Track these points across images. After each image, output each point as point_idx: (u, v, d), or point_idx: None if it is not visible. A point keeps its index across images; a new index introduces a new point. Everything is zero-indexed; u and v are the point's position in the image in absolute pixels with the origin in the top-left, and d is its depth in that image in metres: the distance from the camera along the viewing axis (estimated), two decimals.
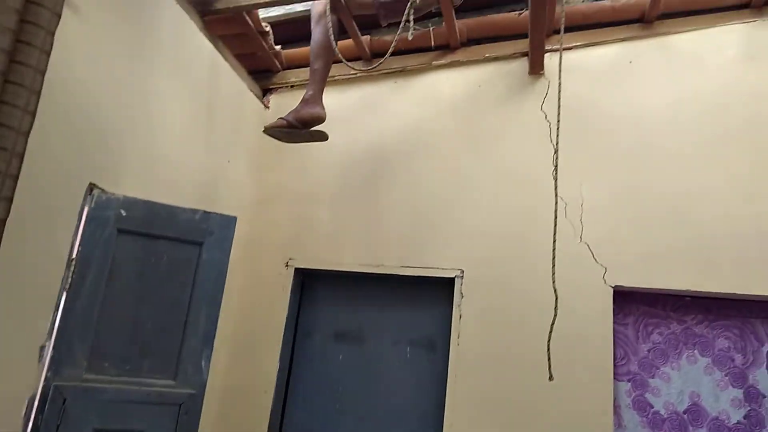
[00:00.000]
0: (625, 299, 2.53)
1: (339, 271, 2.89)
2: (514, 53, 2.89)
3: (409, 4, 2.23)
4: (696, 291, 2.37)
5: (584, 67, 2.77)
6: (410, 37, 2.24)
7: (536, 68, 2.79)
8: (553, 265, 1.95)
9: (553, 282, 1.92)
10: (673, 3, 2.64)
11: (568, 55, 2.78)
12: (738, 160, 2.44)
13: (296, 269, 2.94)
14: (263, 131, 2.42)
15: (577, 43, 2.79)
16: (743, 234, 2.35)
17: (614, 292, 2.46)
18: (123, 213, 1.82)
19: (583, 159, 2.65)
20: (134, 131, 2.04)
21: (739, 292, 2.31)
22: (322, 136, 2.55)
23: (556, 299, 1.89)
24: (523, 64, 2.88)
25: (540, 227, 2.61)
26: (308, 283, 3.01)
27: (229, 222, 2.05)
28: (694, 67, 2.63)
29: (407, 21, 2.24)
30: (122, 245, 1.82)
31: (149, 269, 1.86)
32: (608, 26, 2.79)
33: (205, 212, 2.02)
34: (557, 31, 2.70)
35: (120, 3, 1.98)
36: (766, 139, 2.44)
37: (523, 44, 2.85)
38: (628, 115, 2.66)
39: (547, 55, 2.77)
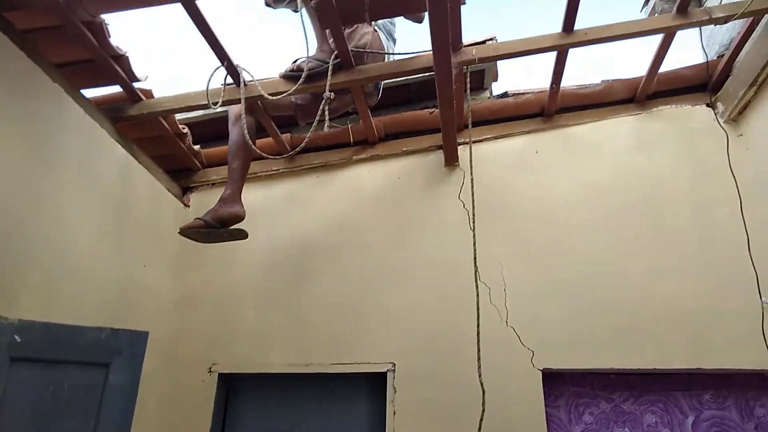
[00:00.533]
0: (555, 381, 2.56)
1: (266, 373, 2.75)
2: (430, 146, 3.03)
3: (323, 101, 2.31)
4: (620, 369, 2.44)
5: (496, 157, 2.93)
6: (326, 129, 2.30)
7: (451, 160, 2.92)
8: (479, 358, 1.96)
9: (480, 376, 1.91)
10: (569, 98, 2.89)
11: (480, 147, 2.95)
12: (641, 241, 2.61)
13: (220, 374, 2.77)
14: (179, 232, 2.35)
15: (488, 136, 2.97)
16: (657, 313, 2.46)
17: (543, 374, 2.48)
18: (17, 339, 1.66)
19: (502, 244, 2.74)
20: (32, 246, 1.90)
21: (659, 367, 2.39)
22: (242, 235, 2.51)
23: (483, 394, 1.87)
24: (439, 156, 3.01)
25: (467, 314, 2.61)
26: (234, 389, 2.84)
27: (140, 338, 1.92)
28: (593, 155, 2.84)
29: (321, 120, 2.31)
30: (16, 375, 1.63)
31: (47, 400, 1.68)
32: (514, 120, 3.00)
33: (112, 330, 1.89)
34: (467, 126, 2.88)
35: (23, 114, 1.91)
36: (662, 220, 2.62)
37: (437, 138, 2.99)
38: (539, 200, 2.80)
39: (461, 147, 2.91)
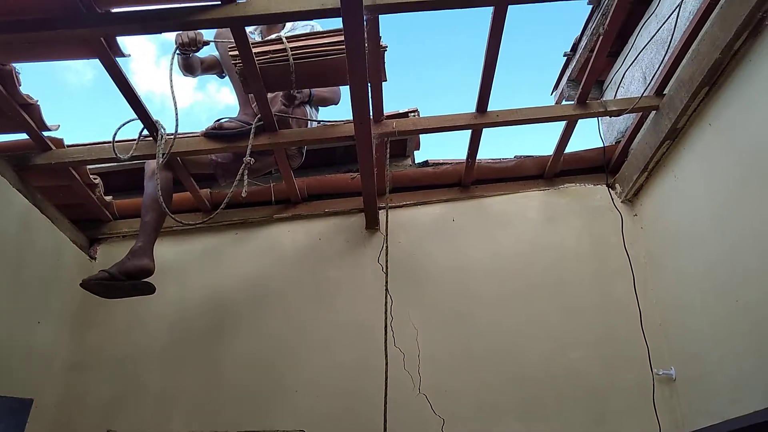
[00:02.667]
0: None
1: None
2: (352, 209, 3.07)
3: (243, 165, 2.30)
4: None
5: (414, 223, 3.02)
6: (244, 194, 2.29)
7: (371, 224, 2.98)
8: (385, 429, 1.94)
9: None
10: (484, 171, 3.05)
11: (400, 212, 3.03)
12: (547, 314, 2.73)
13: None
14: (81, 285, 2.22)
15: (407, 202, 3.05)
16: (560, 386, 2.56)
17: None
18: None
19: (418, 310, 2.79)
20: None
21: None
22: (149, 289, 2.39)
23: None
24: (360, 218, 3.06)
25: (380, 381, 2.62)
26: None
27: (23, 406, 1.76)
28: (505, 225, 2.99)
29: (240, 180, 2.30)
30: None
31: None
32: (432, 188, 3.12)
33: None
34: (392, 191, 2.96)
35: None
36: (566, 295, 2.77)
37: (358, 201, 3.04)
38: (454, 268, 2.89)
39: (381, 211, 2.98)
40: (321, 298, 2.88)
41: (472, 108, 2.51)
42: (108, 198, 2.90)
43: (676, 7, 2.25)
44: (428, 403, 2.57)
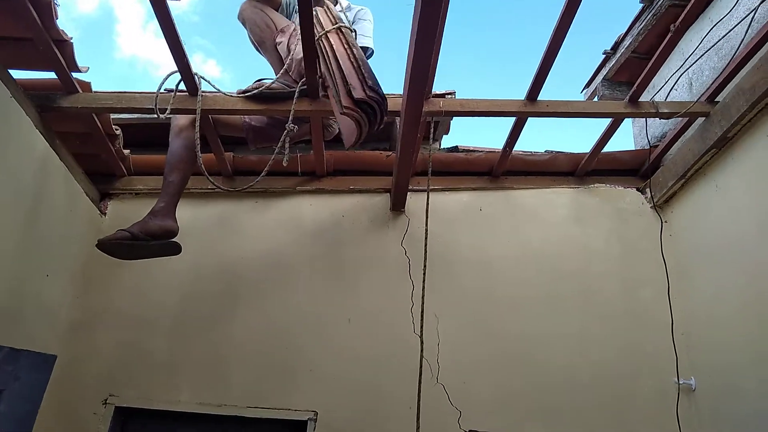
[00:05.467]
0: None
1: (171, 411, 2.48)
2: (378, 188, 2.97)
3: (285, 131, 2.19)
4: None
5: (441, 209, 2.93)
6: (285, 163, 2.18)
7: (398, 205, 2.88)
8: (418, 418, 1.87)
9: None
10: (516, 162, 2.98)
11: (425, 196, 2.93)
12: (571, 311, 2.68)
13: (117, 408, 2.46)
14: (97, 245, 2.07)
15: (435, 187, 2.96)
16: (581, 385, 2.52)
17: None
18: None
19: (439, 298, 2.70)
20: None
21: None
22: (175, 249, 2.27)
23: None
24: (385, 199, 2.96)
25: (399, 366, 2.56)
26: (131, 426, 2.52)
27: (45, 363, 1.62)
28: (533, 220, 2.93)
29: (283, 147, 2.19)
30: None
31: None
32: (461, 175, 3.03)
33: (12, 350, 1.58)
34: (417, 173, 2.87)
35: None
36: (590, 293, 2.72)
37: (386, 181, 2.95)
38: (479, 258, 2.82)
39: (408, 194, 2.88)
40: (340, 277, 2.78)
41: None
42: (126, 151, 2.74)
43: (750, 12, 2.17)
44: (445, 394, 2.51)
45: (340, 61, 2.01)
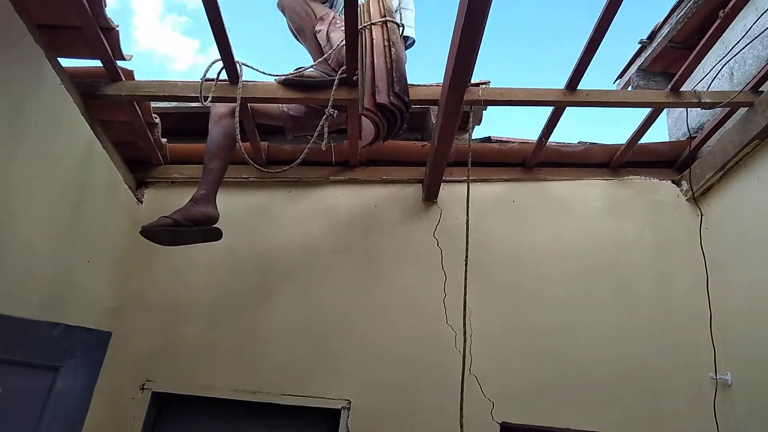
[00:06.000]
0: None
1: (207, 397, 2.51)
2: (410, 179, 2.97)
3: (325, 116, 2.21)
4: (576, 429, 2.44)
5: (474, 200, 2.87)
6: (324, 147, 2.20)
7: (431, 196, 2.88)
8: (461, 408, 1.87)
9: (461, 427, 1.82)
10: (551, 154, 2.95)
11: (458, 188, 2.93)
12: (605, 303, 2.66)
13: (154, 393, 2.50)
14: (141, 232, 2.10)
15: (469, 178, 2.94)
16: (615, 376, 2.51)
17: (501, 428, 2.44)
18: None
19: (472, 289, 2.65)
20: None
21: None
22: (217, 235, 2.31)
23: None
24: (417, 189, 2.96)
25: (432, 356, 2.57)
26: (167, 411, 2.56)
27: (101, 340, 1.65)
28: (566, 212, 2.90)
29: (322, 133, 2.21)
30: None
31: None
32: (493, 166, 3.02)
33: (67, 327, 1.61)
34: (450, 164, 2.86)
35: None
36: (624, 286, 2.70)
37: (418, 172, 2.94)
38: (511, 250, 2.81)
39: (442, 184, 2.87)
40: (373, 267, 2.79)
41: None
42: (163, 140, 2.77)
43: None
44: (478, 385, 2.50)
45: (375, 58, 2.01)
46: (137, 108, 2.42)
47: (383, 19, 2.06)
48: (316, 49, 2.45)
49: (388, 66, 1.97)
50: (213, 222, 2.23)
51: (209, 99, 2.17)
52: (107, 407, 2.44)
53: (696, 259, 2.68)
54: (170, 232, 2.09)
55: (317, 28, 2.40)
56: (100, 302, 2.49)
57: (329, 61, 2.38)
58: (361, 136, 2.14)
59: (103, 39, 2.00)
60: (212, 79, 2.25)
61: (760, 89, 2.42)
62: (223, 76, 2.24)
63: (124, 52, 2.14)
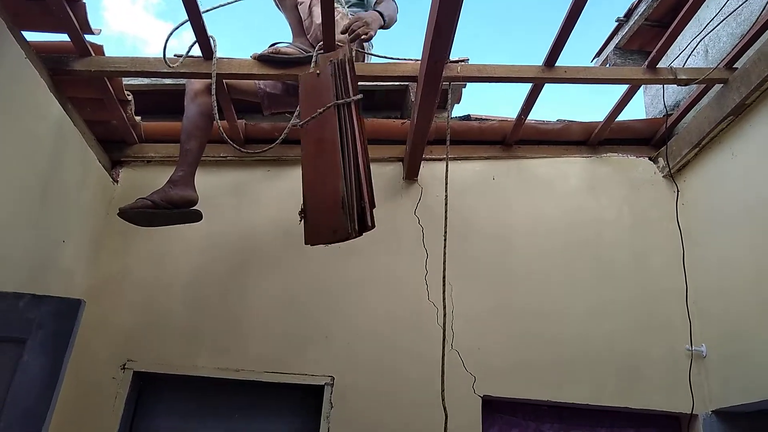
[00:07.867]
0: (490, 409, 2.56)
1: (189, 375, 2.51)
2: (390, 157, 2.96)
3: None
4: (556, 401, 2.49)
5: (454, 178, 2.86)
6: (300, 126, 2.17)
7: (411, 174, 2.87)
8: (443, 381, 1.89)
9: (443, 400, 1.84)
10: (529, 131, 2.96)
11: (438, 166, 2.92)
12: (584, 279, 2.70)
13: (135, 372, 2.48)
14: (119, 214, 2.06)
15: (449, 156, 2.94)
16: (594, 350, 2.56)
17: (483, 401, 2.48)
18: None
19: (453, 265, 2.68)
20: None
21: (591, 403, 2.49)
22: (196, 217, 2.28)
23: (446, 419, 1.80)
24: (397, 168, 2.95)
25: (414, 333, 2.58)
26: (149, 390, 2.54)
27: (71, 309, 1.59)
28: (545, 189, 2.92)
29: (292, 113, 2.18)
30: None
31: None
32: (473, 144, 3.02)
33: (34, 296, 1.56)
34: (429, 142, 2.85)
35: None
36: (603, 262, 2.74)
37: (398, 150, 2.93)
38: (492, 227, 2.82)
39: (422, 162, 2.86)
40: (354, 245, 2.74)
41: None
42: (137, 118, 2.71)
43: None
44: (460, 360, 2.53)
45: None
46: (109, 84, 2.36)
47: None
48: (297, 22, 2.40)
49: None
50: (192, 205, 2.20)
51: (178, 63, 2.11)
52: (88, 388, 2.42)
53: (673, 235, 2.73)
54: (148, 215, 2.06)
55: (299, 0, 2.35)
56: (77, 283, 2.46)
57: (308, 36, 2.34)
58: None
59: (69, 11, 1.93)
60: (184, 55, 2.19)
61: (734, 66, 2.45)
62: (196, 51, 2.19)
63: (103, 33, 2.07)
